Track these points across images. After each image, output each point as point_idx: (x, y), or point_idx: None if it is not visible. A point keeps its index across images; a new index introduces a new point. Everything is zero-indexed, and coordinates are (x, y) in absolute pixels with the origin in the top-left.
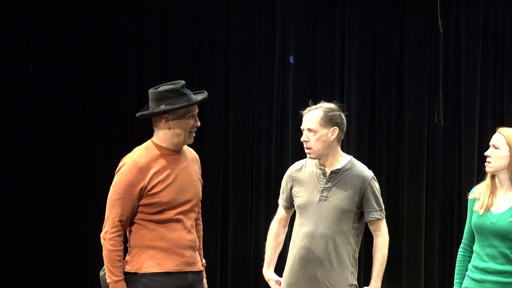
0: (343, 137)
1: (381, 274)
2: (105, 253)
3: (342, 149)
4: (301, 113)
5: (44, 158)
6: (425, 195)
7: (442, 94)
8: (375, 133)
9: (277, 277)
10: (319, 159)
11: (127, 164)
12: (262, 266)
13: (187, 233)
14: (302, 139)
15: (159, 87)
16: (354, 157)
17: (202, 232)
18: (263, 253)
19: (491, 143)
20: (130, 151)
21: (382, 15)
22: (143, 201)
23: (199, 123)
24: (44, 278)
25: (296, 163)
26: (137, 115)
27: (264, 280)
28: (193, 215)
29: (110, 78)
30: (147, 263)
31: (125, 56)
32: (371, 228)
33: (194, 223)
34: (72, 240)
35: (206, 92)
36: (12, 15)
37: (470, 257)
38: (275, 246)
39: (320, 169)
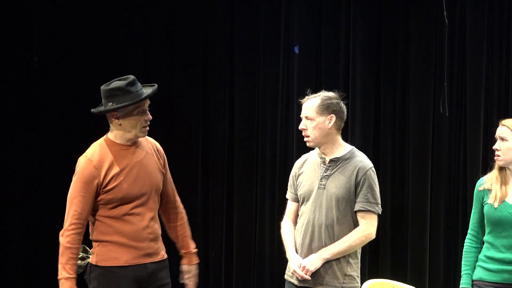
0: (342, 125)
1: (334, 255)
2: (61, 250)
3: (347, 141)
4: (300, 102)
5: (46, 154)
6: (430, 186)
7: (447, 84)
8: (380, 124)
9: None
10: (319, 148)
11: (81, 162)
12: (266, 257)
13: (146, 225)
14: (299, 127)
15: (110, 83)
16: (359, 148)
17: (184, 220)
18: (268, 244)
19: (497, 135)
20: None
21: (387, 5)
22: (100, 198)
23: (150, 117)
24: (46, 278)
25: (302, 156)
26: (91, 111)
27: (269, 271)
28: (153, 206)
29: (114, 75)
30: (105, 256)
31: (129, 54)
32: (358, 219)
33: (155, 214)
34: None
35: (156, 85)
36: (18, 7)
37: (478, 248)
38: (292, 234)
39: (321, 157)
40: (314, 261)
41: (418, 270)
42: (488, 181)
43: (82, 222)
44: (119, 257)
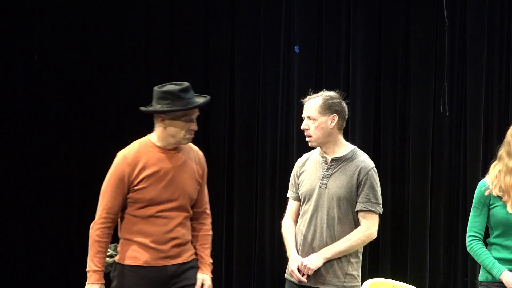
0: (344, 124)
1: (335, 255)
2: (90, 242)
3: (347, 140)
4: (302, 102)
5: (46, 153)
6: (430, 185)
7: (447, 84)
8: (380, 123)
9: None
10: (321, 147)
11: (118, 158)
12: (266, 257)
13: (171, 229)
14: (302, 127)
15: (164, 85)
16: (359, 147)
17: (208, 232)
18: (268, 243)
19: None
20: None
21: (387, 4)
22: (129, 195)
23: (196, 127)
24: (48, 278)
25: (304, 155)
26: (140, 108)
27: (269, 270)
28: (183, 212)
29: (115, 75)
30: (127, 255)
31: (129, 54)
32: (360, 219)
33: (185, 220)
34: (77, 236)
35: (209, 97)
36: (18, 6)
37: (485, 248)
38: (293, 233)
39: (322, 157)
40: (316, 260)
41: (418, 270)
42: (495, 186)
43: (112, 217)
44: (138, 257)
